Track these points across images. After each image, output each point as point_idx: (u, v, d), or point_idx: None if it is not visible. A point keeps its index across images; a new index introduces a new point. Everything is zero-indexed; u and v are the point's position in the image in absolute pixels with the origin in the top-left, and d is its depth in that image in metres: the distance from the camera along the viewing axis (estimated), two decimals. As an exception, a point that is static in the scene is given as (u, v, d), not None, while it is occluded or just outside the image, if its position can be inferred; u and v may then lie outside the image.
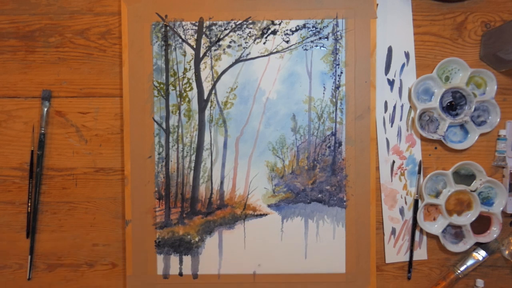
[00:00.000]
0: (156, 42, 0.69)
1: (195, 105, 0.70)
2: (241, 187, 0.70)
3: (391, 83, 0.71)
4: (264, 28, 0.69)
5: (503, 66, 0.69)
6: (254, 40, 0.69)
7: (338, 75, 0.69)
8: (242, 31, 0.69)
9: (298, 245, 0.70)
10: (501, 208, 0.70)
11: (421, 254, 0.71)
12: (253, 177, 0.70)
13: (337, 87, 0.69)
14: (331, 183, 0.70)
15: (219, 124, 0.70)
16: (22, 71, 0.71)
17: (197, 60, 0.70)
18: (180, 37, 0.69)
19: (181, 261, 0.70)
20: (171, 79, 0.70)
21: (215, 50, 0.69)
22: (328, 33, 0.69)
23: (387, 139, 0.71)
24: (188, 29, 0.69)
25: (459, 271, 0.70)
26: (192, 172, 0.70)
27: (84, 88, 0.71)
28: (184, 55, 0.70)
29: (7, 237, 0.72)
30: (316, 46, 0.69)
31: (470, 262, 0.70)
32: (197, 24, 0.69)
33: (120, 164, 0.71)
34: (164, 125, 0.70)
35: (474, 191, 0.69)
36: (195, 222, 0.70)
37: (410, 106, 0.71)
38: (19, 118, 0.71)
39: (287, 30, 0.69)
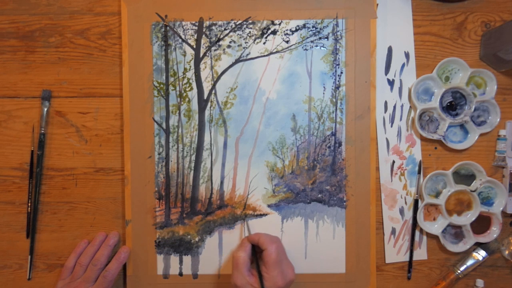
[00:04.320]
0: (156, 42, 0.69)
1: (195, 105, 0.70)
2: (241, 187, 0.70)
3: (391, 83, 0.70)
4: (264, 28, 0.69)
5: (503, 66, 0.69)
6: (254, 40, 0.69)
7: (338, 75, 0.69)
8: (242, 31, 0.69)
9: (298, 245, 0.70)
10: (501, 208, 0.70)
11: (421, 254, 0.71)
12: (253, 177, 0.70)
13: (337, 87, 0.69)
14: (331, 183, 0.70)
15: (219, 124, 0.70)
16: (22, 71, 0.71)
17: (197, 60, 0.70)
18: (180, 37, 0.69)
19: (181, 261, 0.70)
20: (171, 79, 0.70)
21: (215, 50, 0.69)
22: (328, 33, 0.69)
23: (387, 139, 0.71)
24: (188, 29, 0.69)
25: (459, 271, 0.70)
26: (192, 172, 0.70)
27: (84, 88, 0.71)
28: (184, 55, 0.70)
29: (7, 237, 0.72)
30: (316, 46, 0.69)
31: (470, 262, 0.70)
32: (197, 24, 0.69)
33: (120, 164, 0.71)
34: (164, 125, 0.70)
35: (474, 191, 0.69)
36: (195, 222, 0.70)
37: (410, 106, 0.71)
38: (19, 118, 0.71)
39: (287, 30, 0.69)
